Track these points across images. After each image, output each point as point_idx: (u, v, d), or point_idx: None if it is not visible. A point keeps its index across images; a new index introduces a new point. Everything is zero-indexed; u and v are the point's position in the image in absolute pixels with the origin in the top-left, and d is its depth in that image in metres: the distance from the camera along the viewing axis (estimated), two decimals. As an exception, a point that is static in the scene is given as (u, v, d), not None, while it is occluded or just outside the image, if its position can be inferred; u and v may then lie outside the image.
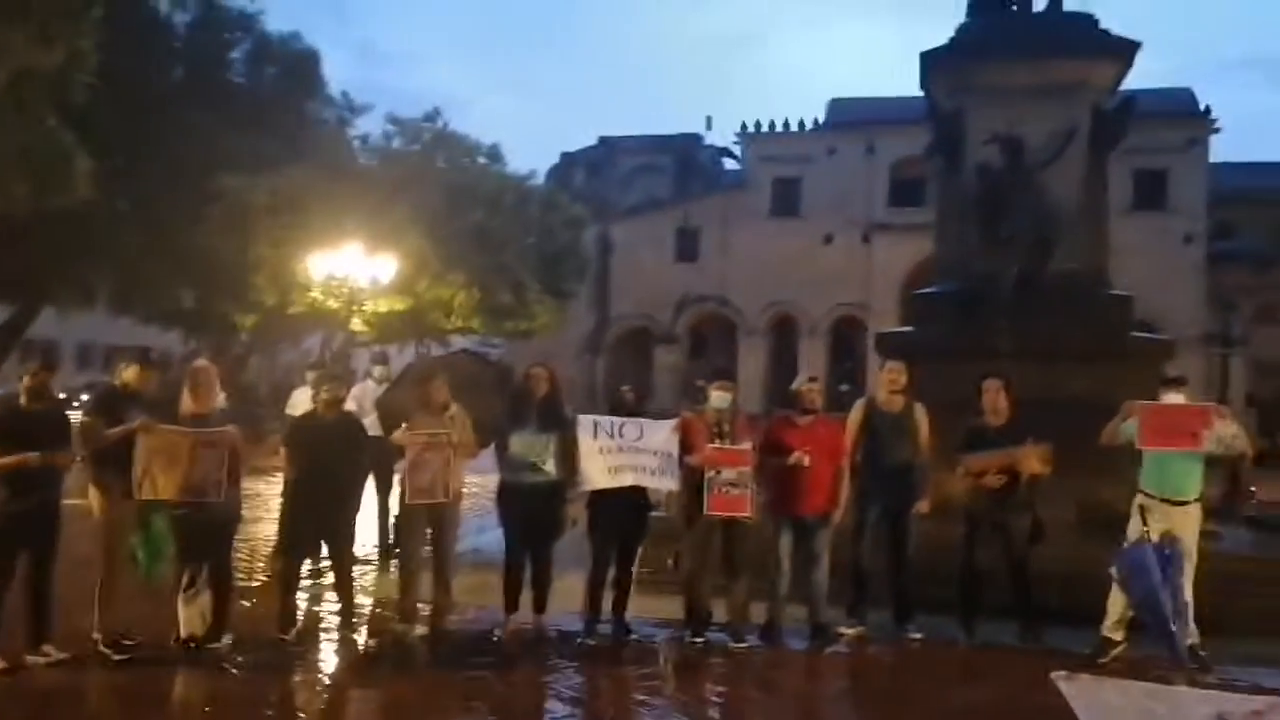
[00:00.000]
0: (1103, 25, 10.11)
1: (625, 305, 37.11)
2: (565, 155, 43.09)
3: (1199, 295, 31.42)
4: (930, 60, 10.54)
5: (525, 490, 6.54)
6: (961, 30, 10.58)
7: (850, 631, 6.76)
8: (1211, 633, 6.31)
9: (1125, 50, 10.00)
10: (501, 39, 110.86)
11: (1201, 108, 33.21)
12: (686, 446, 6.58)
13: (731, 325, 36.64)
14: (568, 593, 6.84)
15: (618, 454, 6.52)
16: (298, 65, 26.13)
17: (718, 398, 6.71)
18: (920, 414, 6.90)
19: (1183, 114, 31.88)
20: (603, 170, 41.81)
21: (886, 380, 7.02)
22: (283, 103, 25.50)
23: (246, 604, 7.09)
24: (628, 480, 6.54)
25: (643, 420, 6.78)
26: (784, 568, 6.62)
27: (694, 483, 6.53)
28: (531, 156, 64.56)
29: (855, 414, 6.99)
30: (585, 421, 6.63)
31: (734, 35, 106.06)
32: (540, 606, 6.68)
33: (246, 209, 21.32)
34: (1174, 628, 5.99)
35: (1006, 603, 6.69)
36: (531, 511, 6.56)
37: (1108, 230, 10.27)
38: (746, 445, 6.57)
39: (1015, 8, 10.65)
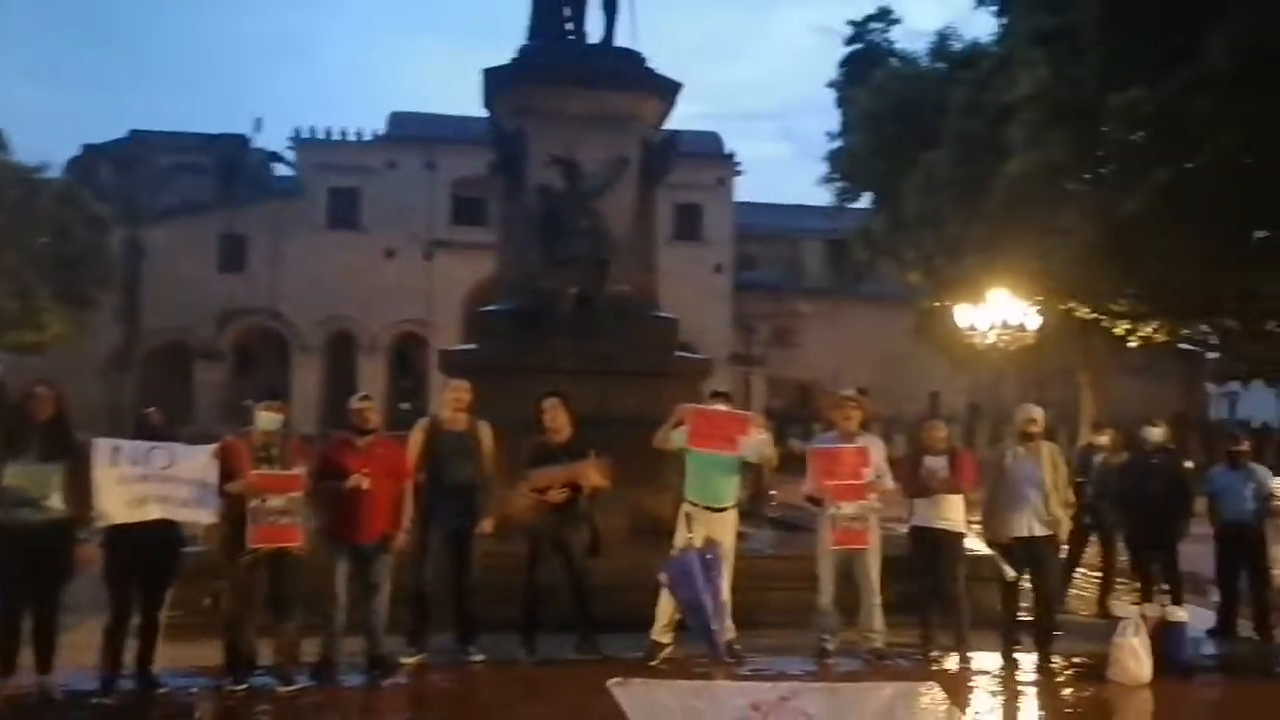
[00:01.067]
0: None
1: (160, 317, 33.50)
2: (88, 147, 38.12)
3: (727, 319, 35.18)
4: (492, 79, 10.63)
5: (24, 530, 5.62)
6: (523, 52, 10.79)
7: (410, 660, 6.50)
8: (744, 627, 6.86)
9: (670, 90, 10.81)
10: (13, 16, 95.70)
11: (726, 151, 37.25)
12: (227, 473, 6.00)
13: (283, 341, 34.65)
14: (80, 646, 6.02)
15: (143, 483, 5.81)
16: None
17: (266, 419, 6.22)
18: (484, 432, 6.82)
19: (712, 155, 35.54)
20: (134, 167, 37.36)
21: (450, 398, 6.87)
22: None
23: None
24: (154, 513, 5.84)
25: (174, 445, 6.13)
26: (340, 599, 6.23)
27: (236, 513, 5.97)
28: (46, 147, 55.80)
29: (417, 433, 6.79)
30: (103, 446, 5.85)
31: (284, 36, 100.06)
32: (44, 665, 5.76)
33: None
34: (714, 627, 6.42)
35: (567, 616, 6.79)
36: (32, 554, 5.63)
37: (656, 256, 10.98)
38: (298, 470, 6.12)
39: (572, 37, 11.06)
